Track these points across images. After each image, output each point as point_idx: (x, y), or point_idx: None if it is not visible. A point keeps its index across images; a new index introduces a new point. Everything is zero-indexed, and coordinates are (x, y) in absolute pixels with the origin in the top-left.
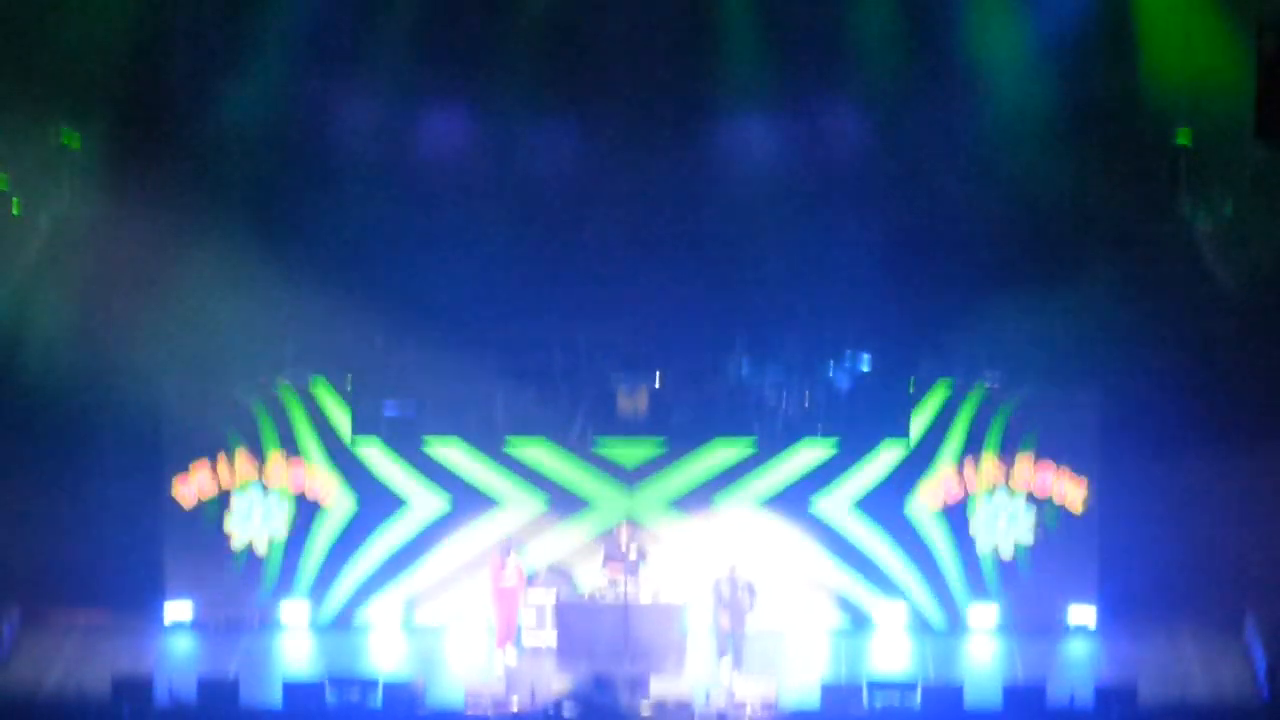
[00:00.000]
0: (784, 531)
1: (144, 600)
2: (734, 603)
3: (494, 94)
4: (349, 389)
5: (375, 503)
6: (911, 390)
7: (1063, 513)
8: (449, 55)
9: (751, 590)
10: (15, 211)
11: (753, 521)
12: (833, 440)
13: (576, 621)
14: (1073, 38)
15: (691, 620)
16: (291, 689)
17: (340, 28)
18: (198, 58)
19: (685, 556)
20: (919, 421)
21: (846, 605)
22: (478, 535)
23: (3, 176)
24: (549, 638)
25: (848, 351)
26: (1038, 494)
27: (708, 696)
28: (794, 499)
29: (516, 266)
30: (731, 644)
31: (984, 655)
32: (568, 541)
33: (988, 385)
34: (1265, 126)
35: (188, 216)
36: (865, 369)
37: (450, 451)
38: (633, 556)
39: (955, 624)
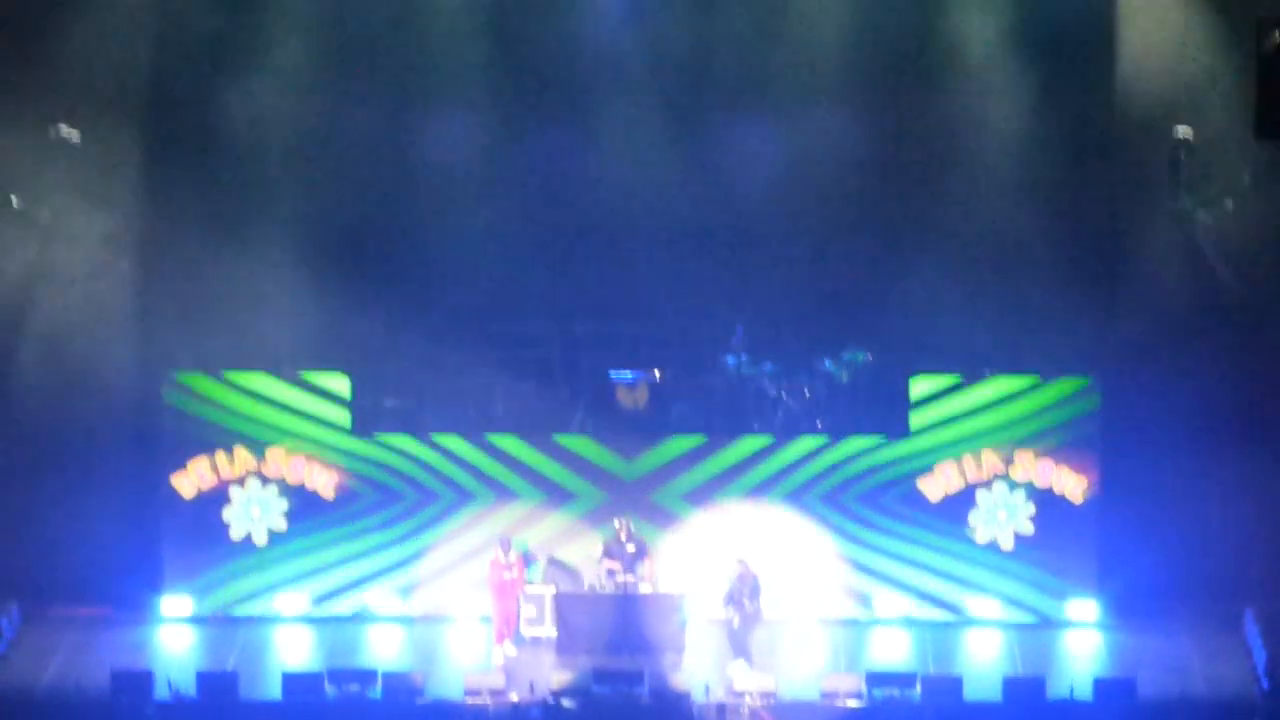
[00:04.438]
0: (782, 525)
1: (143, 595)
2: (743, 600)
3: (495, 93)
4: (349, 383)
5: (374, 496)
6: (911, 383)
7: (1062, 506)
8: (451, 55)
9: (757, 587)
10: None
11: (751, 515)
12: (833, 434)
13: (575, 614)
14: (1072, 32)
15: (690, 612)
16: (290, 681)
17: (344, 27)
18: (201, 54)
19: (685, 551)
20: (919, 415)
21: (846, 598)
22: (477, 528)
23: None
24: (548, 630)
25: (847, 345)
26: (1037, 486)
27: (706, 688)
28: (793, 493)
29: (516, 262)
30: (742, 641)
31: (984, 649)
32: (567, 536)
33: (987, 378)
34: (1264, 126)
35: (189, 212)
36: (865, 362)
37: (448, 445)
38: (631, 549)
39: (955, 618)
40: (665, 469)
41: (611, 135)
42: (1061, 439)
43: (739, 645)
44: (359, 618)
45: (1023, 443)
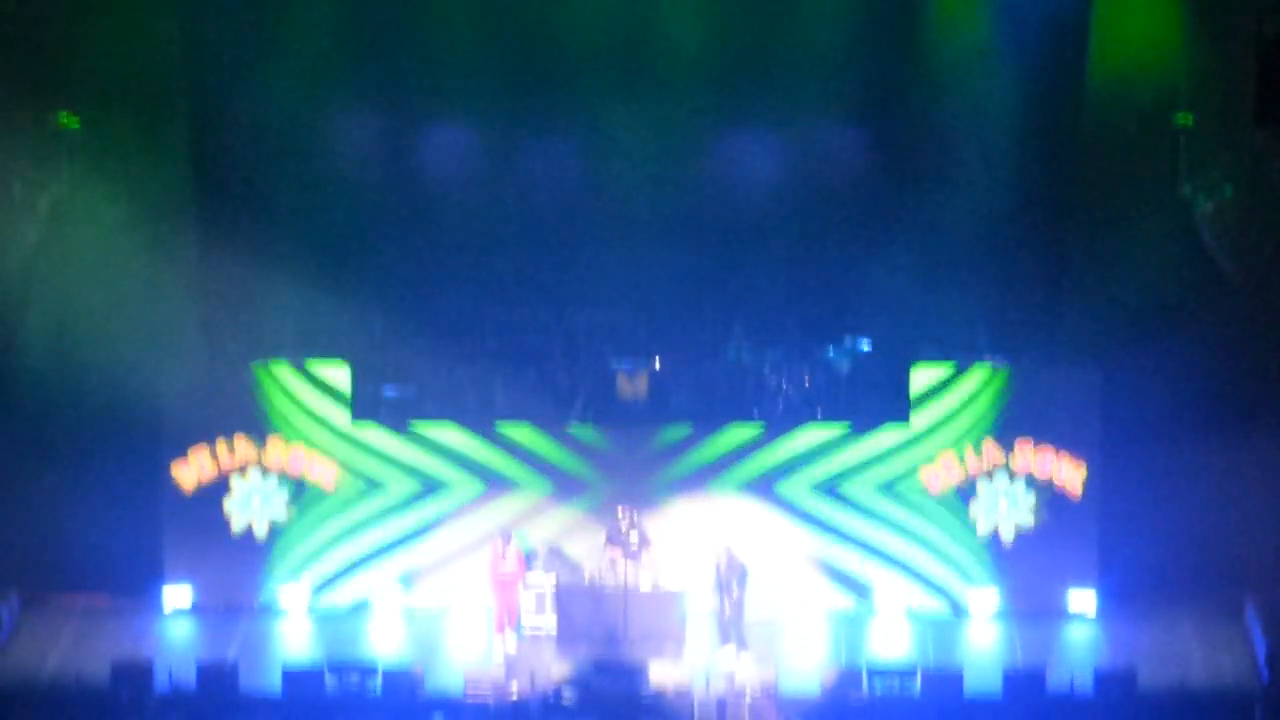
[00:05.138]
0: (783, 515)
1: (143, 585)
2: (731, 587)
3: (497, 86)
4: (348, 373)
5: (374, 487)
6: (912, 373)
7: (1062, 496)
8: (450, 48)
9: (744, 574)
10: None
11: (751, 505)
12: (833, 424)
13: (577, 607)
14: (1066, 20)
15: (690, 606)
16: (291, 675)
17: (340, 29)
18: (206, 50)
19: (683, 540)
20: (919, 404)
21: (846, 590)
22: (477, 519)
23: None
24: (549, 623)
25: (848, 334)
26: (1038, 477)
27: (707, 682)
28: (794, 482)
29: (517, 251)
30: (732, 628)
31: (984, 641)
32: (568, 526)
33: (988, 368)
34: (1264, 112)
35: (188, 200)
36: (865, 351)
37: (448, 435)
38: (633, 541)
39: (955, 609)
40: (665, 458)
41: (612, 127)
42: (1061, 428)
43: (729, 632)
44: (359, 610)
45: (1022, 432)
